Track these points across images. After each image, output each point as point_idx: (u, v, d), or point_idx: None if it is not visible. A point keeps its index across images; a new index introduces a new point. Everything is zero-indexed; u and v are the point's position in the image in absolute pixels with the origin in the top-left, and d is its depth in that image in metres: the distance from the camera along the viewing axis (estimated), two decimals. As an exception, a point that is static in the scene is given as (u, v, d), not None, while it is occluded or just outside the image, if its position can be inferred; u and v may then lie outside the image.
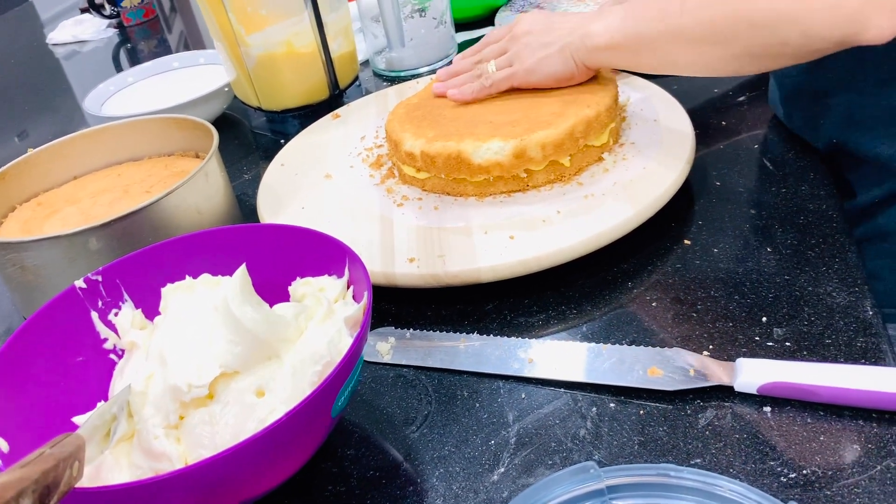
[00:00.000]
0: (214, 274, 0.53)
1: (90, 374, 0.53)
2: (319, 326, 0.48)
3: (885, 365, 0.49)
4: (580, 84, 0.72)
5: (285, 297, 0.54)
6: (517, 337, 0.57)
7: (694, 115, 0.72)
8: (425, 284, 0.61)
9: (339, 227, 0.68)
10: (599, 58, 0.68)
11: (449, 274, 0.60)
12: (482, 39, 0.81)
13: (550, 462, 0.47)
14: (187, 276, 0.52)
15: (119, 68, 1.43)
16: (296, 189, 0.76)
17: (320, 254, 0.53)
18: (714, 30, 0.58)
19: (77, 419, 0.50)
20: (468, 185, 0.69)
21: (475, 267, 0.59)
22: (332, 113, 0.90)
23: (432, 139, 0.69)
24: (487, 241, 0.62)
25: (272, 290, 0.54)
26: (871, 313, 0.53)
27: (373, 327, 0.60)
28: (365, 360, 0.58)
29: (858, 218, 0.71)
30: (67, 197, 0.78)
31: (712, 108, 0.81)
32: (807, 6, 0.53)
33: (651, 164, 0.66)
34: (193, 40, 1.57)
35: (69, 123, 1.17)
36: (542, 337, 0.57)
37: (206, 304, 0.48)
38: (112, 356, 0.54)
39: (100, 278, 0.54)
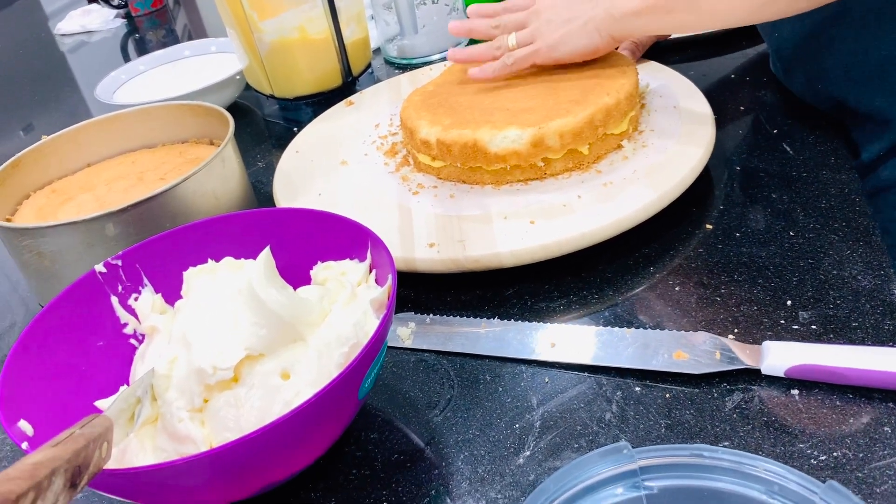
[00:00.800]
0: (236, 258, 0.52)
1: (110, 358, 0.53)
2: (344, 309, 0.48)
3: (913, 348, 0.49)
4: (600, 68, 0.72)
5: (307, 281, 0.54)
6: (538, 322, 0.56)
7: (712, 99, 0.71)
8: (446, 269, 0.60)
9: (357, 215, 0.67)
10: (629, 26, 0.67)
11: (469, 258, 0.59)
12: (501, 4, 0.79)
13: (577, 445, 0.47)
14: (209, 260, 0.52)
15: (127, 59, 1.43)
16: (311, 176, 0.76)
17: (342, 237, 0.53)
18: None
19: (99, 403, 0.50)
20: (484, 174, 0.68)
21: (495, 251, 0.59)
22: (345, 100, 0.89)
23: (448, 127, 0.69)
24: (507, 227, 0.61)
25: (294, 274, 0.53)
26: (897, 296, 0.52)
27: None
28: (387, 346, 0.57)
29: (863, 174, 0.71)
30: (82, 184, 0.78)
31: (730, 92, 0.81)
32: None
33: (671, 149, 0.66)
34: (198, 34, 1.56)
35: (74, 115, 1.16)
36: (563, 322, 0.56)
37: (230, 287, 0.48)
38: (132, 341, 0.54)
39: (120, 263, 0.54)
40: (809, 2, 0.58)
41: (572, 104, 0.67)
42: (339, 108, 0.88)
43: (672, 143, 0.66)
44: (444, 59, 1.01)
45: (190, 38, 1.50)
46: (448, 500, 0.45)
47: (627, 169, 0.65)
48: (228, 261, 0.52)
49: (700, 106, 0.71)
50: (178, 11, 1.68)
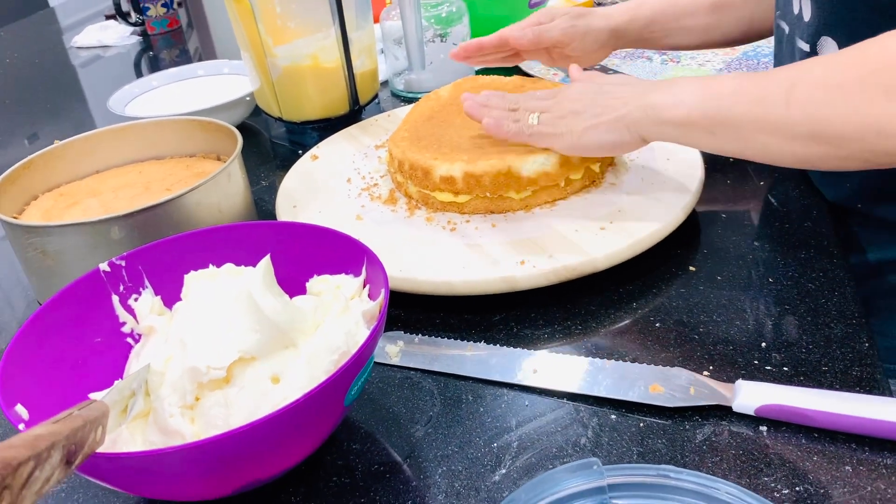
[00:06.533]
0: (237, 265, 0.54)
1: (107, 355, 0.54)
2: (336, 320, 0.50)
3: (878, 394, 0.51)
4: None
5: (303, 293, 0.56)
6: (523, 348, 0.58)
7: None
8: (547, 282, 0.62)
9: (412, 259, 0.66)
10: (664, 132, 0.62)
11: (568, 267, 0.62)
12: (527, 93, 0.74)
13: (551, 466, 0.48)
14: (211, 265, 0.54)
15: (139, 75, 1.46)
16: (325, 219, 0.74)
17: (339, 253, 0.55)
18: (829, 130, 0.53)
19: (93, 395, 0.51)
20: (512, 201, 0.70)
21: (591, 257, 0.62)
22: (309, 154, 0.88)
23: (472, 160, 0.70)
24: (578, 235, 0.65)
25: (291, 285, 0.55)
26: (867, 345, 0.55)
27: (383, 330, 0.62)
28: (374, 361, 0.59)
29: (868, 274, 0.72)
30: (89, 189, 0.80)
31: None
32: None
33: (655, 193, 0.69)
34: (208, 56, 1.59)
35: (79, 127, 1.18)
36: (546, 349, 0.58)
37: (228, 291, 0.50)
38: (129, 340, 0.56)
39: (123, 263, 0.56)
40: (859, 164, 0.55)
41: None
42: (305, 161, 0.86)
43: (657, 188, 0.70)
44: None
45: (200, 59, 1.54)
46: (423, 511, 0.47)
47: (636, 178, 0.73)
48: (229, 267, 0.54)
49: (690, 151, 0.74)
50: (190, 34, 1.72)
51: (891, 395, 0.51)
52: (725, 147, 0.60)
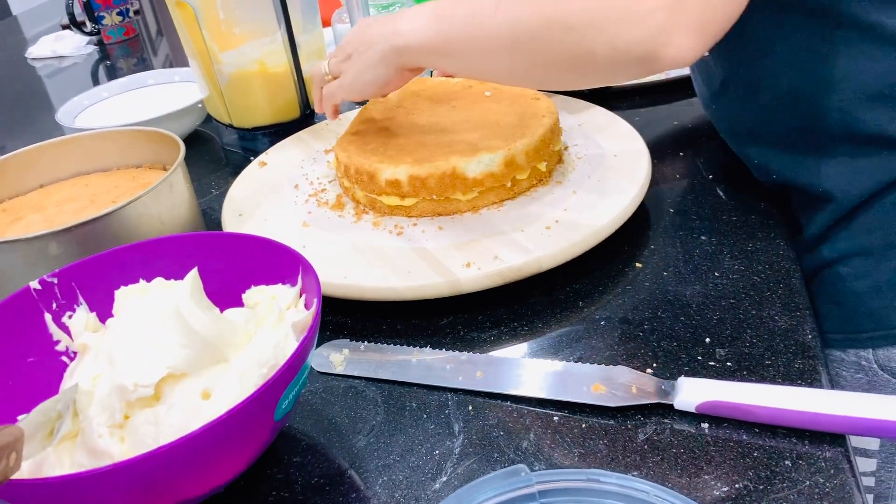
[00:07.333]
0: (168, 279, 0.53)
1: (40, 375, 0.53)
2: (269, 332, 0.49)
3: (820, 387, 0.51)
4: (510, 100, 0.77)
5: (240, 305, 0.55)
6: (469, 352, 0.58)
7: (654, 144, 0.74)
8: (492, 284, 0.62)
9: (360, 267, 0.65)
10: (414, 59, 0.65)
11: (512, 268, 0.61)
12: None
13: (491, 471, 0.47)
14: (141, 280, 0.53)
15: (97, 84, 1.44)
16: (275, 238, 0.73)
17: (274, 262, 0.54)
18: (525, 33, 0.55)
19: (22, 418, 0.50)
20: (460, 203, 0.70)
21: (536, 256, 0.62)
22: (257, 161, 0.86)
23: (416, 161, 0.69)
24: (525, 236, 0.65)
25: (227, 297, 0.54)
26: (810, 337, 0.54)
27: (328, 339, 0.61)
28: (318, 371, 0.58)
29: (805, 251, 0.72)
30: (33, 204, 0.79)
31: (671, 137, 0.84)
32: (616, 15, 0.51)
33: (606, 184, 0.69)
34: (179, 63, 1.58)
35: (44, 139, 1.16)
36: (492, 352, 0.58)
37: (158, 307, 0.49)
38: (64, 358, 0.55)
39: (55, 280, 0.55)
40: (562, 74, 0.58)
41: (519, 127, 0.71)
42: (253, 169, 0.85)
43: (604, 185, 0.69)
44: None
45: (173, 67, 1.52)
46: (362, 523, 0.46)
47: (582, 173, 0.73)
48: (159, 281, 0.52)
49: (637, 145, 0.74)
50: (160, 42, 1.70)
51: (832, 386, 0.51)
52: (460, 68, 0.63)
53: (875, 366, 0.67)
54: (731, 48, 0.51)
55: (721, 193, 0.72)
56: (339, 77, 0.72)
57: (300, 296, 0.53)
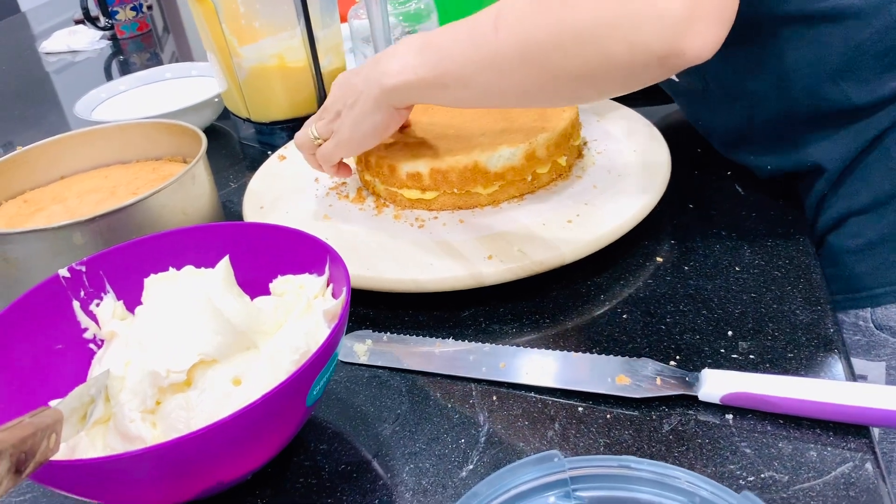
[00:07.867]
0: (198, 267, 0.54)
1: (68, 362, 0.54)
2: (298, 320, 0.49)
3: (842, 380, 0.51)
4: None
5: (266, 294, 0.55)
6: (491, 343, 0.58)
7: (673, 141, 0.74)
8: (514, 277, 0.62)
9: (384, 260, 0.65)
10: (406, 98, 0.62)
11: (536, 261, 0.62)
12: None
13: (518, 460, 0.48)
14: (171, 268, 0.54)
15: (110, 79, 1.45)
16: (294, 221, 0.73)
17: (301, 252, 0.54)
18: (535, 46, 0.52)
19: (54, 403, 0.50)
20: (480, 197, 0.70)
21: (560, 252, 0.62)
22: (277, 154, 0.87)
23: (435, 156, 0.70)
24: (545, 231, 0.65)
25: (254, 286, 0.55)
26: (832, 331, 0.55)
27: (351, 330, 0.62)
28: (342, 361, 0.59)
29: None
30: (54, 195, 0.79)
31: (688, 135, 0.84)
32: (632, 14, 0.49)
33: (625, 182, 0.69)
34: (184, 59, 1.58)
35: (54, 133, 1.17)
36: (515, 344, 0.58)
37: (188, 294, 0.49)
38: (91, 346, 0.55)
39: (84, 269, 0.55)
40: (574, 86, 0.54)
41: (540, 121, 0.72)
42: (274, 163, 0.85)
43: (624, 180, 0.70)
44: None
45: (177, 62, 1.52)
46: (390, 510, 0.47)
47: (602, 170, 0.73)
48: (189, 269, 0.53)
49: (656, 141, 0.74)
50: (167, 38, 1.71)
51: (854, 378, 0.52)
52: (462, 98, 0.59)
53: (872, 325, 0.68)
54: (706, 64, 0.50)
55: (739, 189, 0.73)
56: (331, 138, 0.69)
57: (327, 285, 0.53)
